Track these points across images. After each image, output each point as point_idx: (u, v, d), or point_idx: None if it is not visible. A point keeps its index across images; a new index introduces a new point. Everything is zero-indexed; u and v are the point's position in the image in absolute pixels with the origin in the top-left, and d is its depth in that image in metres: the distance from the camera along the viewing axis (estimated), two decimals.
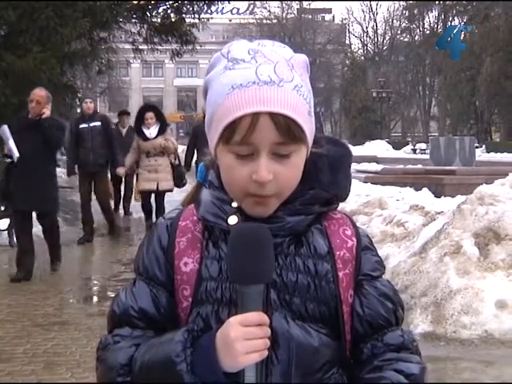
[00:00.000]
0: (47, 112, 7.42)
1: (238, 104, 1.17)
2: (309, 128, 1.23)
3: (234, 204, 1.27)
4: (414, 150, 38.62)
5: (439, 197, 11.07)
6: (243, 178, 1.20)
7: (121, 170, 10.47)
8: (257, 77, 1.18)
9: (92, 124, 10.34)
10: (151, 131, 10.00)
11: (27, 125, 7.39)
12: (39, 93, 7.48)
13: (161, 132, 10.02)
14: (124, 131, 12.85)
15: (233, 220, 1.26)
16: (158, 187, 9.90)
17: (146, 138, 9.97)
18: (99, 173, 10.46)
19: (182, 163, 10.57)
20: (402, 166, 18.60)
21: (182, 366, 1.16)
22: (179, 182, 10.08)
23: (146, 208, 10.37)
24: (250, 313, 1.14)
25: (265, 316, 1.15)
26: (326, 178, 1.30)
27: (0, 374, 4.59)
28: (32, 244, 7.61)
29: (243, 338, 1.12)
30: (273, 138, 1.18)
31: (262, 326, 1.14)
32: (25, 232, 7.58)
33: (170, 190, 10.14)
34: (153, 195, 10.26)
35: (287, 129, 1.18)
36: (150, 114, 10.02)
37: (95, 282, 7.63)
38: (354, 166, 17.99)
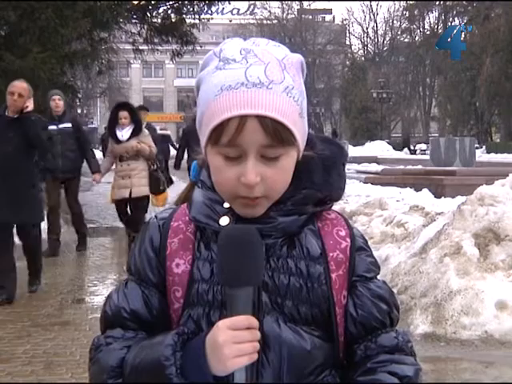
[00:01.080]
0: (30, 106, 6.46)
1: (226, 106, 1.17)
2: (300, 130, 1.22)
3: (226, 204, 1.26)
4: (414, 151, 38.60)
5: (439, 197, 11.08)
6: (231, 180, 1.20)
7: (97, 177, 9.29)
8: (246, 78, 1.17)
9: (61, 126, 9.01)
10: (124, 133, 8.92)
11: (6, 123, 6.40)
12: (21, 85, 6.48)
13: (134, 134, 8.90)
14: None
15: (224, 221, 1.25)
16: (130, 194, 8.77)
17: (118, 141, 8.89)
18: (69, 181, 9.26)
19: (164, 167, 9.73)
20: (402, 167, 18.63)
21: (171, 369, 1.16)
22: (155, 187, 9.03)
23: (123, 219, 9.21)
24: (238, 316, 1.13)
25: (253, 319, 1.14)
26: (319, 177, 1.29)
27: (0, 375, 4.58)
28: (13, 261, 6.65)
29: (231, 341, 1.12)
30: (260, 140, 1.17)
31: (251, 329, 1.13)
32: (2, 249, 6.53)
33: (146, 198, 9.04)
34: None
35: (275, 132, 1.17)
36: (123, 114, 8.93)
37: (95, 283, 7.63)
38: (355, 167, 18.03)
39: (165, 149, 26.40)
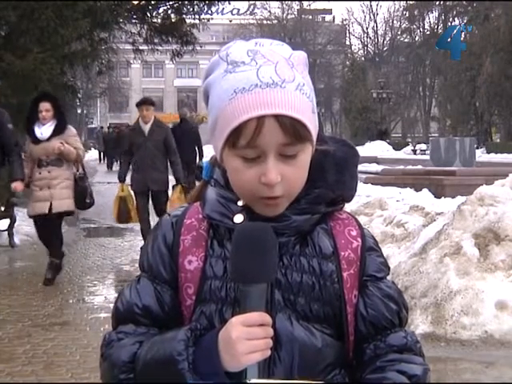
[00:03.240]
0: None
1: (242, 108, 1.17)
2: (313, 126, 1.23)
3: (240, 203, 1.27)
4: (415, 151, 38.60)
5: (439, 197, 11.06)
6: (251, 180, 1.21)
7: (18, 186, 7.16)
8: (259, 79, 1.18)
9: None
10: (43, 130, 7.13)
11: None
12: None
13: (57, 131, 7.12)
14: (147, 128, 8.71)
15: (238, 219, 1.26)
16: (50, 209, 7.03)
17: (36, 140, 7.14)
18: None
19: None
20: (402, 167, 18.62)
21: (183, 364, 1.16)
22: (81, 200, 7.32)
23: (42, 239, 7.50)
24: (251, 313, 1.14)
25: (267, 316, 1.15)
26: (332, 177, 1.31)
27: (0, 375, 4.59)
28: None
29: (244, 338, 1.13)
30: (279, 139, 1.18)
31: (264, 325, 1.14)
32: None
33: (69, 213, 7.42)
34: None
35: (293, 130, 1.18)
36: (45, 105, 7.13)
37: (95, 283, 7.63)
38: None
39: None
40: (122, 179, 8.86)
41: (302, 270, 1.27)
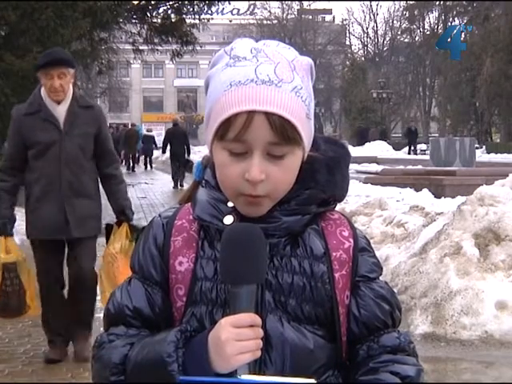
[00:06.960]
0: None
1: (234, 101, 1.17)
2: (306, 131, 1.23)
3: (230, 204, 1.27)
4: (415, 151, 38.59)
5: (439, 197, 11.08)
6: (236, 176, 1.20)
7: None
8: (256, 75, 1.18)
9: None
10: None
11: None
12: None
13: None
14: (62, 111, 4.53)
15: (228, 220, 1.25)
16: None
17: None
18: None
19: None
20: (402, 167, 18.63)
21: (173, 366, 1.16)
22: None
23: None
24: (241, 314, 1.14)
25: (257, 317, 1.15)
26: (323, 178, 1.30)
27: (0, 375, 4.58)
28: None
29: (234, 339, 1.12)
30: (267, 137, 1.18)
31: (254, 327, 1.14)
32: None
33: None
34: None
35: (282, 129, 1.18)
36: None
37: None
38: (355, 167, 18.02)
39: (150, 148, 30.69)
40: (5, 227, 4.90)
41: (293, 271, 1.26)
